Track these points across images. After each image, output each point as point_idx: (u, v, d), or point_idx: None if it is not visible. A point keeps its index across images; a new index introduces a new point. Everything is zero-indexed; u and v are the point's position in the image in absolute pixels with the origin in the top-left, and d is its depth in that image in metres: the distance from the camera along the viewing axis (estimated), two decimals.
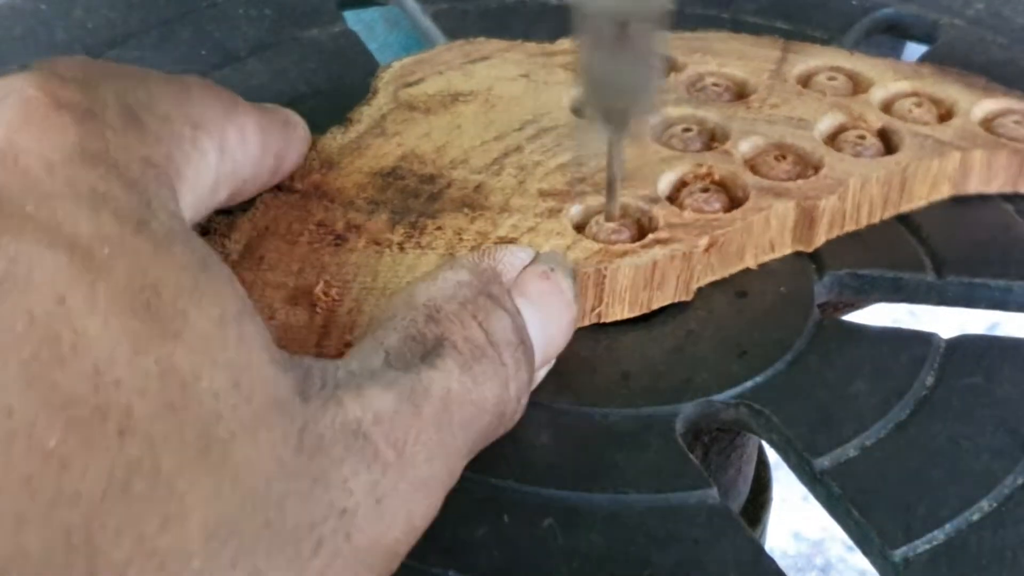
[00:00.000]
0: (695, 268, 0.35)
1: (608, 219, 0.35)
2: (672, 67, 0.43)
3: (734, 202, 0.37)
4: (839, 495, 0.30)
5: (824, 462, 0.31)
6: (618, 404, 0.32)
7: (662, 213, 0.36)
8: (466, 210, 0.35)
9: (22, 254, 0.22)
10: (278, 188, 0.36)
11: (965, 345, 0.34)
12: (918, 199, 0.39)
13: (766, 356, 0.34)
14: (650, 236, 0.35)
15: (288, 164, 0.36)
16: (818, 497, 0.31)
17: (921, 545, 0.29)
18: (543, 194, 0.36)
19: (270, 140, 0.34)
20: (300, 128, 0.37)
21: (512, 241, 0.34)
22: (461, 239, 0.34)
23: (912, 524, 0.29)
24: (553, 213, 0.35)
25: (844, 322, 0.35)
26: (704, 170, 0.38)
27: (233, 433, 0.23)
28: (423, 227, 0.35)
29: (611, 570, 0.28)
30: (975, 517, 0.29)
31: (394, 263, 0.34)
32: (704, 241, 0.35)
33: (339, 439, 0.24)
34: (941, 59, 0.47)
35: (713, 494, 0.30)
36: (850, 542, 0.30)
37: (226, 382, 0.23)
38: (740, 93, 0.42)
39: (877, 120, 0.40)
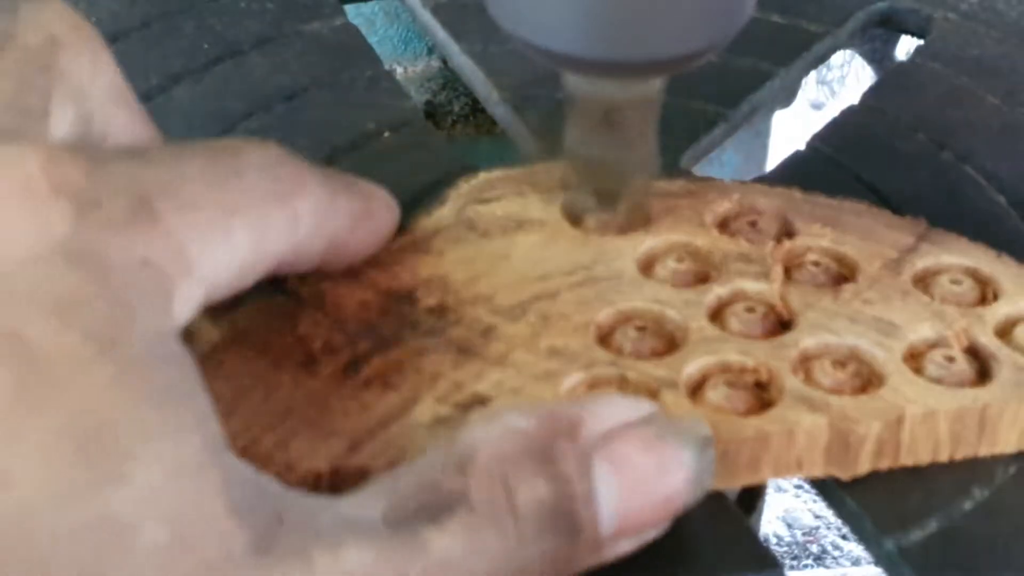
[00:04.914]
0: None
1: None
2: (786, 231, 0.36)
3: (765, 405, 0.30)
4: (833, 483, 0.30)
5: None
6: None
7: (671, 401, 0.30)
8: (455, 354, 0.31)
9: None
10: (282, 290, 0.32)
11: None
12: (1003, 444, 0.31)
13: None
14: None
15: (339, 252, 0.31)
16: (812, 485, 0.31)
17: (915, 532, 0.29)
18: (552, 352, 0.31)
19: (326, 224, 0.29)
20: (377, 219, 0.32)
21: (484, 400, 0.30)
22: (434, 386, 0.30)
23: (906, 512, 0.29)
24: (550, 377, 0.30)
25: None
26: (751, 364, 0.31)
27: None
28: (399, 364, 0.31)
29: None
30: (968, 505, 0.30)
31: (343, 399, 0.30)
32: None
33: None
34: (935, 53, 0.48)
35: None
36: (844, 529, 0.30)
37: (169, 536, 0.21)
38: (840, 278, 0.34)
39: (982, 341, 0.32)
